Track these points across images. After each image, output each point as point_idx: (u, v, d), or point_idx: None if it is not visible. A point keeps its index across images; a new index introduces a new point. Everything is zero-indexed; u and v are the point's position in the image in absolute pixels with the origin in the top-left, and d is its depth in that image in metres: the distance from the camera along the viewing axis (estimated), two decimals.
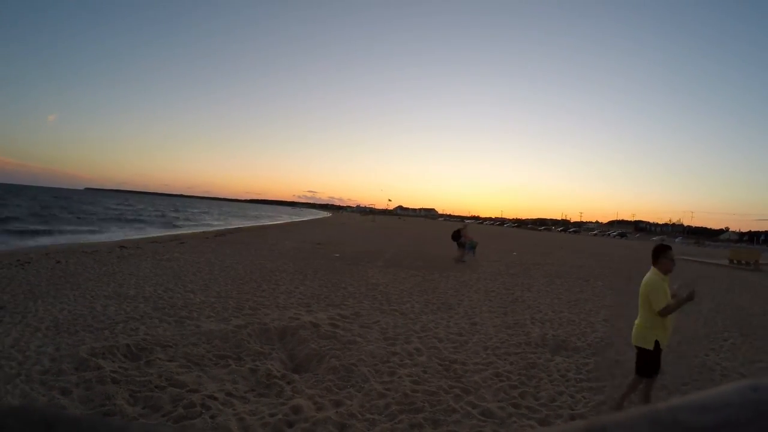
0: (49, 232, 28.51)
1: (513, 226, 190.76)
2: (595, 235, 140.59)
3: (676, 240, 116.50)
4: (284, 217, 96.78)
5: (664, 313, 5.24)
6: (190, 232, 35.24)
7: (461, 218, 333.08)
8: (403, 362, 6.75)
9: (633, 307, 12.30)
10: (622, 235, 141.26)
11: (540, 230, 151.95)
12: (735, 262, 33.65)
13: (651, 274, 5.51)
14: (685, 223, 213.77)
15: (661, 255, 5.52)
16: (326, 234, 38.25)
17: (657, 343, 5.31)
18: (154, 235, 30.80)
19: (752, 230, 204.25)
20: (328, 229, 48.93)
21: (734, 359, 8.31)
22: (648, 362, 5.34)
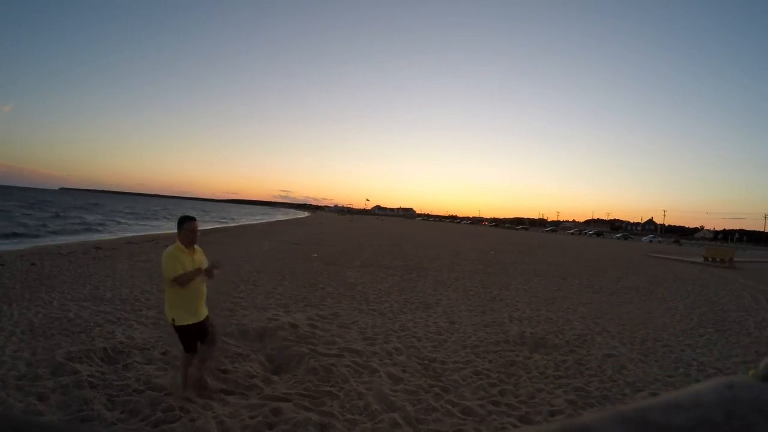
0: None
1: (491, 225, 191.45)
2: (572, 233, 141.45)
3: (644, 239, 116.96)
4: (262, 217, 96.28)
5: (179, 281, 5.00)
6: (166, 232, 34.89)
7: (439, 218, 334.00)
8: (383, 362, 6.76)
9: (611, 305, 12.48)
10: (598, 234, 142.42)
11: (517, 229, 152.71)
12: (710, 259, 34.16)
13: (171, 246, 5.22)
14: (659, 222, 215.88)
15: (182, 226, 5.18)
16: (304, 234, 38.14)
17: (174, 320, 5.11)
18: (130, 235, 30.48)
19: (726, 228, 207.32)
20: (306, 229, 48.77)
21: (710, 354, 8.46)
22: (180, 338, 5.20)
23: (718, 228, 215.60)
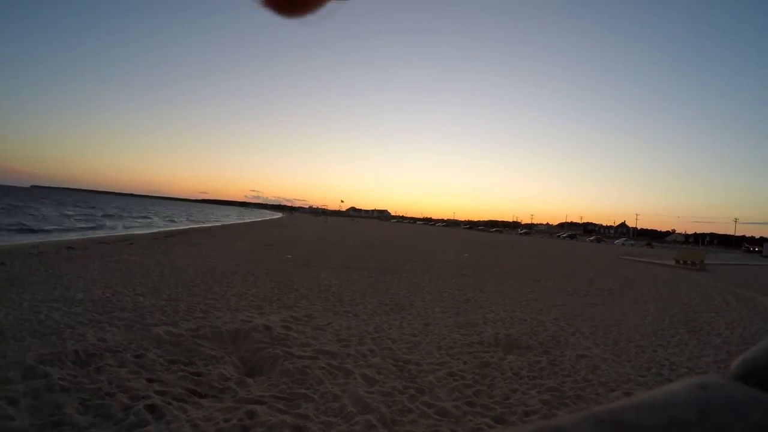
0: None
1: (466, 228, 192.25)
2: (546, 236, 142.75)
3: (617, 242, 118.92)
4: (236, 218, 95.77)
5: None
6: (139, 232, 34.48)
7: (414, 220, 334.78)
8: (358, 363, 6.76)
9: (584, 306, 12.61)
10: (571, 237, 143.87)
11: (492, 232, 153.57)
12: (681, 262, 34.74)
13: None
14: (632, 225, 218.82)
15: None
16: (278, 235, 37.95)
17: None
18: (103, 234, 30.06)
19: (697, 232, 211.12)
20: (280, 230, 48.54)
21: (682, 354, 8.62)
22: None
23: (689, 231, 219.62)
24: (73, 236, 28.46)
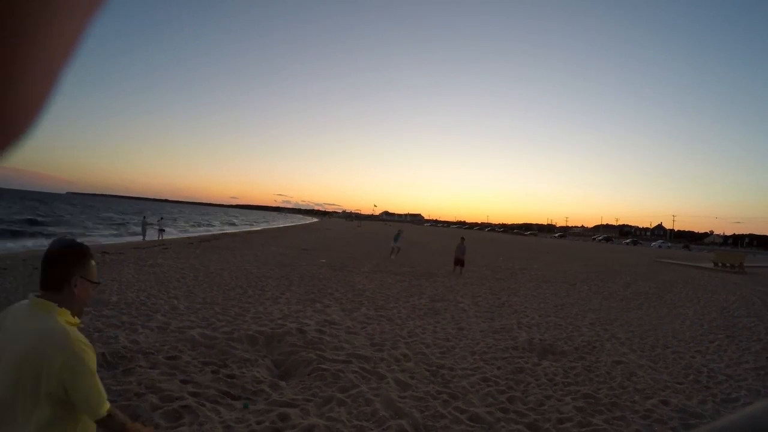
0: None
1: (500, 231, 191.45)
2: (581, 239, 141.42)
3: (653, 244, 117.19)
4: (269, 223, 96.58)
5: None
6: (173, 237, 34.89)
7: (447, 223, 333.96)
8: (391, 368, 6.71)
9: (620, 311, 12.41)
10: (607, 240, 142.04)
11: (526, 235, 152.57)
12: (720, 264, 34.02)
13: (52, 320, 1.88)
14: (668, 227, 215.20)
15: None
16: (312, 239, 38.19)
17: None
18: (137, 240, 30.48)
19: (736, 233, 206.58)
20: (314, 234, 48.88)
21: (720, 361, 8.40)
22: None
23: (728, 233, 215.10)
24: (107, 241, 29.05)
